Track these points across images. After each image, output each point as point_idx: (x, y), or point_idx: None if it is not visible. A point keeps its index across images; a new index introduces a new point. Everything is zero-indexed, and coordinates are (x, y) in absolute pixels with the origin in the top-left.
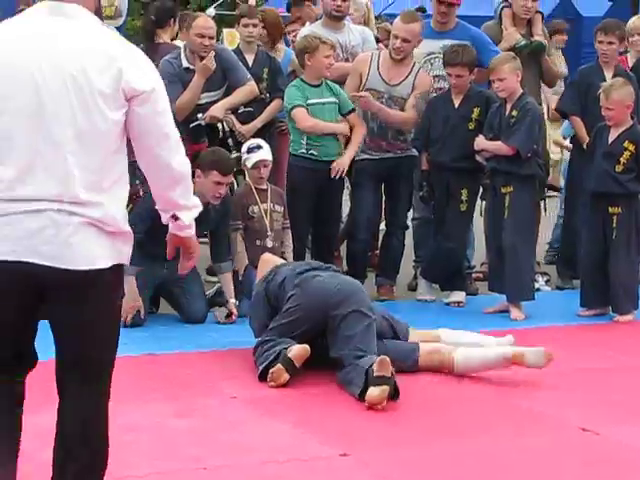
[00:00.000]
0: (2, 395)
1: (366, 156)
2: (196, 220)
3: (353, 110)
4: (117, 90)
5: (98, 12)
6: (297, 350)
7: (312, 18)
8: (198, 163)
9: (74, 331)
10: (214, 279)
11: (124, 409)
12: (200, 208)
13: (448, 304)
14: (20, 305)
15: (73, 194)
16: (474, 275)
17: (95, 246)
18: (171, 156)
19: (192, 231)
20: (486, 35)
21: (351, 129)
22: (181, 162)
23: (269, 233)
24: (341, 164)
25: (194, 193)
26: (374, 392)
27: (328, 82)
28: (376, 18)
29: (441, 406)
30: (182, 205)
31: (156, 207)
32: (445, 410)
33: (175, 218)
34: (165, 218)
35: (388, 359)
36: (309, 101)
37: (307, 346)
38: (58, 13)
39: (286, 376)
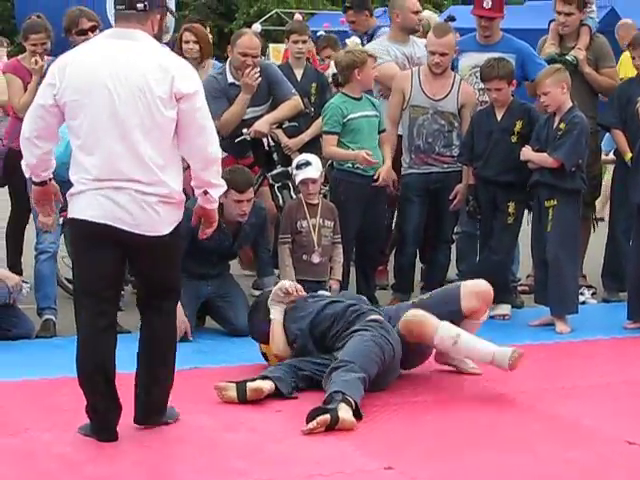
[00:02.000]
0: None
1: (413, 170)
2: (233, 237)
3: (384, 130)
4: (170, 94)
5: (157, 36)
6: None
7: (364, 27)
8: None
9: (149, 276)
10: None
11: (171, 422)
12: (224, 187)
13: (493, 317)
14: (112, 255)
15: (149, 176)
16: (520, 288)
17: (162, 217)
18: (207, 144)
19: (216, 205)
20: (531, 48)
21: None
22: (214, 149)
23: (316, 248)
24: (385, 174)
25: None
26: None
27: (368, 96)
28: None
29: (486, 418)
30: (213, 183)
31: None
32: (490, 422)
33: (205, 193)
34: (198, 193)
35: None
36: (351, 115)
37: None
38: (124, 37)
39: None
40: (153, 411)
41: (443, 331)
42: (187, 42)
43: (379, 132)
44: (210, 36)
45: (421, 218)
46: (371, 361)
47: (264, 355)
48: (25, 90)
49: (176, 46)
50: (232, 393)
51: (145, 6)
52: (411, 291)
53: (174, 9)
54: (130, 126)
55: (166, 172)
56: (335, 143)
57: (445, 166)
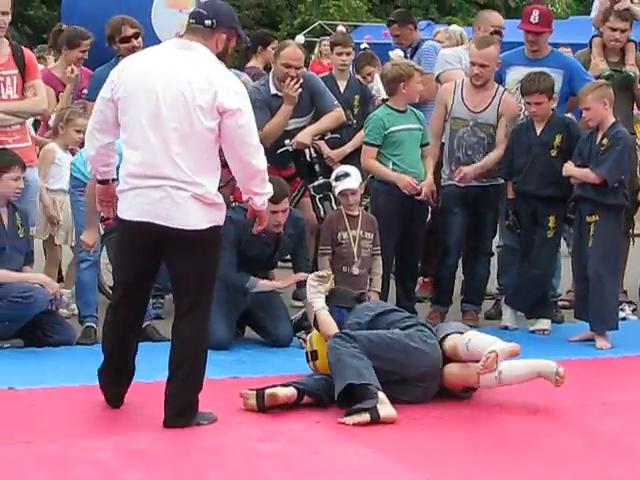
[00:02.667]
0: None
1: (452, 182)
2: (272, 248)
3: (428, 143)
4: (212, 106)
5: (220, 54)
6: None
7: (409, 41)
8: None
9: (183, 275)
10: (300, 304)
11: (209, 432)
12: (271, 192)
13: (533, 332)
14: (148, 251)
15: (181, 175)
16: (560, 303)
17: (197, 213)
18: (249, 158)
19: (264, 207)
20: (579, 63)
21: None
22: (258, 163)
23: (356, 260)
24: (427, 189)
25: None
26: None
27: (413, 109)
28: None
29: (525, 433)
30: (255, 192)
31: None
32: (529, 438)
33: (251, 199)
34: (245, 198)
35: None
36: (394, 127)
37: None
38: (183, 47)
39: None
40: (179, 413)
41: (459, 344)
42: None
43: (422, 145)
44: None
45: (462, 229)
46: (379, 347)
47: (311, 355)
48: (57, 99)
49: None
50: (252, 401)
51: (212, 24)
52: (450, 303)
53: None
54: (169, 128)
55: (199, 175)
56: (374, 155)
57: (484, 180)
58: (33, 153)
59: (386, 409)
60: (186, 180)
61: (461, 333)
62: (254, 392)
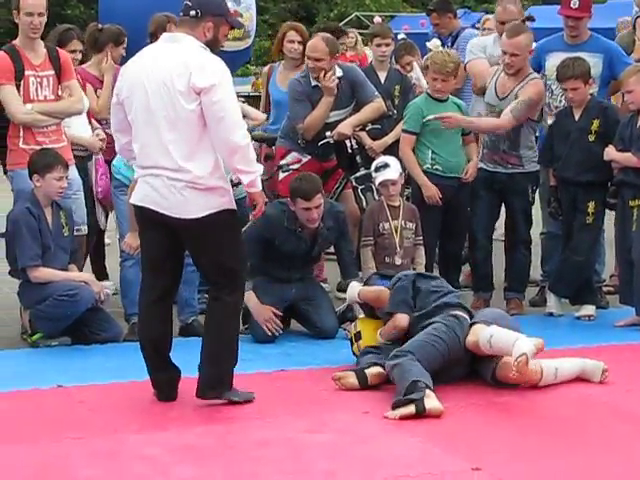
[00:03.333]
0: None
1: (481, 165)
2: (311, 243)
3: (470, 132)
4: (189, 88)
5: (212, 41)
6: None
7: (449, 29)
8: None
9: (197, 261)
10: (344, 296)
11: (257, 425)
12: (258, 173)
13: (578, 318)
14: (159, 235)
15: (173, 163)
16: (605, 288)
17: (190, 200)
18: (227, 134)
19: (255, 189)
20: (620, 47)
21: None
22: (236, 138)
23: (398, 250)
24: (473, 171)
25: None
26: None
27: (454, 99)
28: None
29: (572, 419)
30: (240, 169)
31: (267, 229)
32: (576, 423)
33: (239, 179)
34: (235, 179)
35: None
36: (431, 116)
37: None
38: (169, 40)
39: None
40: (209, 386)
41: (481, 339)
42: (292, 42)
43: (464, 134)
44: None
45: (490, 212)
46: (430, 354)
47: (355, 336)
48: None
49: (276, 44)
50: (352, 380)
51: (197, 13)
52: (491, 289)
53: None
54: (158, 118)
55: (191, 160)
56: (412, 144)
57: (509, 166)
58: (69, 152)
59: (432, 402)
60: (177, 167)
61: (488, 324)
62: (352, 372)
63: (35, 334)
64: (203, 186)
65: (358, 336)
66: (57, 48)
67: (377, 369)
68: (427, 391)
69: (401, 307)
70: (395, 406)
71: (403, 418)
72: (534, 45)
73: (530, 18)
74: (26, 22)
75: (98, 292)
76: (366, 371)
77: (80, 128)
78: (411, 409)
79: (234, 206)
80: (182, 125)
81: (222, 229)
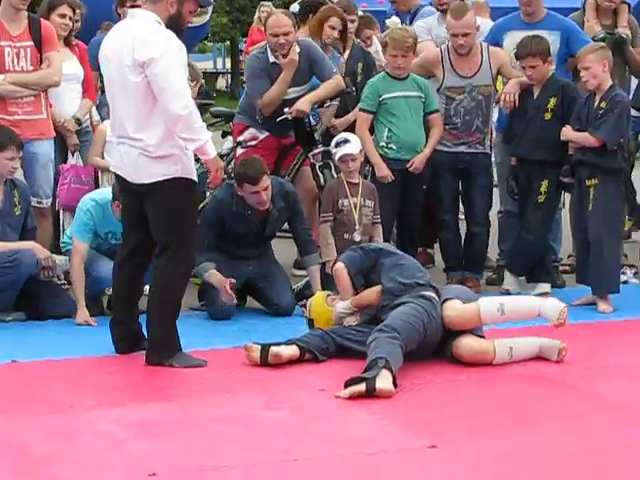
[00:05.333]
0: (136, 268)
1: (441, 148)
2: (262, 224)
3: (436, 111)
4: (133, 61)
5: (174, 16)
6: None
7: (407, 6)
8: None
9: (150, 218)
10: (301, 273)
11: (214, 401)
12: (204, 140)
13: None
14: (129, 196)
15: (127, 133)
16: (561, 268)
17: (142, 167)
18: (167, 104)
19: (205, 156)
20: (577, 25)
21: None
22: (175, 108)
23: (357, 227)
24: (419, 163)
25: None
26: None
27: (416, 77)
28: None
29: (530, 397)
30: (184, 137)
31: (217, 212)
32: (534, 401)
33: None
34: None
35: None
36: (387, 95)
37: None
38: (131, 16)
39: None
40: (153, 349)
41: (486, 309)
42: (333, 28)
43: (428, 113)
44: None
45: (454, 190)
46: (412, 336)
47: (310, 322)
48: None
49: (316, 24)
50: (255, 354)
51: None
52: (461, 269)
53: None
54: (114, 90)
55: (142, 130)
56: (368, 122)
57: (478, 146)
58: (46, 126)
59: (384, 382)
60: (130, 136)
61: (462, 299)
62: (259, 346)
63: None
64: (154, 154)
65: (312, 323)
66: (41, 19)
67: (279, 349)
68: (383, 371)
69: (344, 259)
70: (347, 384)
71: (353, 397)
72: (492, 24)
73: None
74: None
75: (45, 258)
76: (272, 348)
77: (66, 105)
78: (361, 388)
79: (189, 175)
80: (131, 97)
81: (172, 195)
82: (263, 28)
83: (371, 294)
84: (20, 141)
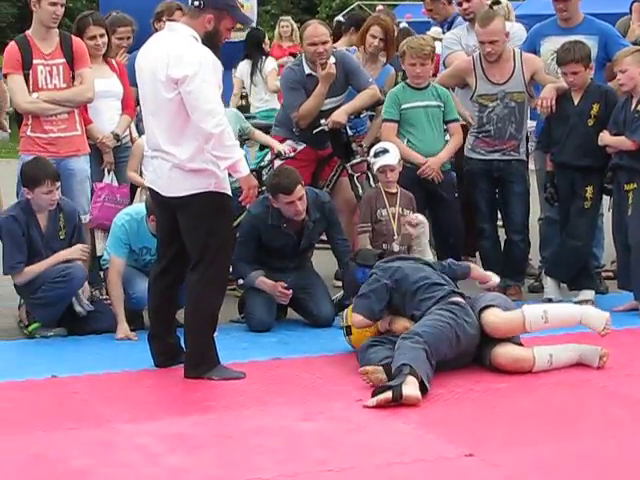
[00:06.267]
0: (171, 283)
1: (475, 155)
2: (298, 236)
3: (456, 120)
4: (167, 78)
5: (213, 33)
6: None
7: (442, 16)
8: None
9: (183, 234)
10: (341, 284)
11: (251, 413)
12: (236, 158)
13: (577, 303)
14: (163, 210)
15: (160, 147)
16: (604, 274)
17: (177, 181)
18: (199, 122)
19: (238, 174)
20: (616, 30)
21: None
22: (208, 126)
23: (395, 237)
24: (431, 164)
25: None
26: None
27: (436, 86)
28: None
29: (569, 404)
30: (215, 155)
31: (253, 226)
32: (573, 408)
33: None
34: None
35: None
36: (406, 104)
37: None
38: (167, 29)
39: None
40: (190, 364)
41: (531, 317)
42: (374, 37)
43: (448, 122)
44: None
45: (490, 199)
46: (439, 340)
47: (347, 330)
48: None
49: (360, 34)
50: (381, 375)
51: (200, 4)
52: (502, 276)
53: (256, 4)
54: (148, 104)
55: (175, 145)
56: (393, 132)
57: (512, 153)
58: (81, 142)
59: (410, 389)
60: (163, 150)
61: (506, 309)
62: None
63: (31, 325)
64: (186, 168)
65: (349, 330)
66: (72, 36)
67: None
68: (409, 377)
69: (360, 310)
70: (374, 393)
71: (380, 405)
72: (529, 31)
73: (496, 2)
74: (49, 11)
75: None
76: (403, 389)
77: (106, 122)
78: (388, 395)
79: (223, 189)
80: (164, 112)
81: (204, 209)
82: (283, 43)
83: (400, 325)
84: (55, 171)
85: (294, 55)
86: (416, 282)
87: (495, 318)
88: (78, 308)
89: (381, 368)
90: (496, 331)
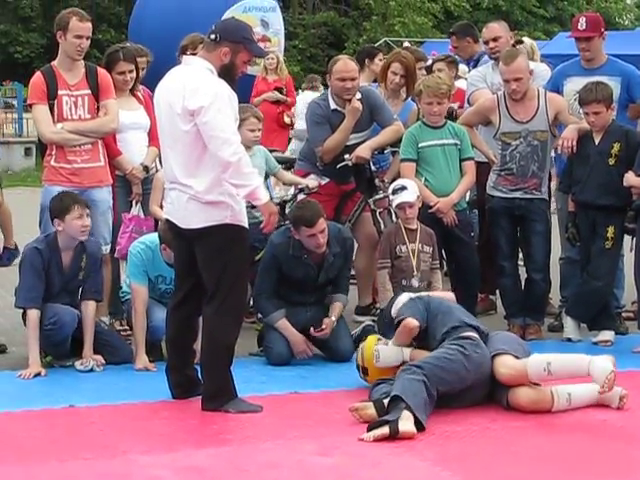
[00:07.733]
0: (189, 314)
1: (497, 193)
2: (319, 268)
3: (471, 158)
4: (184, 110)
5: (229, 66)
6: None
7: (468, 54)
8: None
9: (200, 264)
10: (362, 319)
11: (267, 447)
12: (255, 185)
13: (596, 343)
14: (180, 242)
15: (177, 179)
16: (624, 314)
17: (195, 213)
18: (216, 151)
19: (257, 201)
20: (638, 70)
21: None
22: (224, 155)
23: (415, 273)
24: (442, 205)
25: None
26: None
27: (453, 124)
28: None
29: (587, 446)
30: (233, 183)
31: (274, 257)
32: (590, 450)
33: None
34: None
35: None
36: (423, 143)
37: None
38: (184, 63)
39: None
40: (207, 397)
41: (533, 370)
42: (395, 74)
43: (463, 160)
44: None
45: (510, 237)
46: (446, 373)
47: (363, 370)
48: None
49: (381, 71)
50: (371, 411)
51: (216, 37)
52: (521, 316)
53: (283, 38)
54: (165, 137)
55: (191, 177)
56: (411, 171)
57: (534, 192)
58: (104, 173)
59: (406, 425)
60: (181, 182)
61: (517, 357)
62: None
63: (47, 356)
64: (203, 200)
65: (365, 371)
66: (98, 67)
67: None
68: (404, 412)
69: (409, 313)
70: (370, 428)
71: (377, 440)
72: (553, 70)
73: (520, 41)
74: (74, 44)
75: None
76: (384, 401)
77: (135, 154)
78: (385, 430)
79: (239, 222)
80: (180, 145)
81: (221, 241)
82: (269, 77)
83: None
84: (83, 199)
85: (279, 90)
86: (443, 317)
87: (504, 370)
88: (80, 367)
89: (371, 404)
90: (502, 381)
